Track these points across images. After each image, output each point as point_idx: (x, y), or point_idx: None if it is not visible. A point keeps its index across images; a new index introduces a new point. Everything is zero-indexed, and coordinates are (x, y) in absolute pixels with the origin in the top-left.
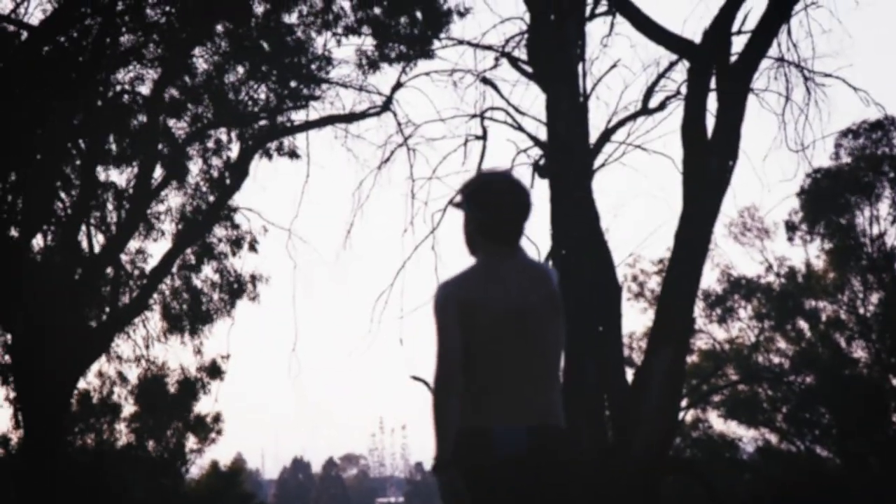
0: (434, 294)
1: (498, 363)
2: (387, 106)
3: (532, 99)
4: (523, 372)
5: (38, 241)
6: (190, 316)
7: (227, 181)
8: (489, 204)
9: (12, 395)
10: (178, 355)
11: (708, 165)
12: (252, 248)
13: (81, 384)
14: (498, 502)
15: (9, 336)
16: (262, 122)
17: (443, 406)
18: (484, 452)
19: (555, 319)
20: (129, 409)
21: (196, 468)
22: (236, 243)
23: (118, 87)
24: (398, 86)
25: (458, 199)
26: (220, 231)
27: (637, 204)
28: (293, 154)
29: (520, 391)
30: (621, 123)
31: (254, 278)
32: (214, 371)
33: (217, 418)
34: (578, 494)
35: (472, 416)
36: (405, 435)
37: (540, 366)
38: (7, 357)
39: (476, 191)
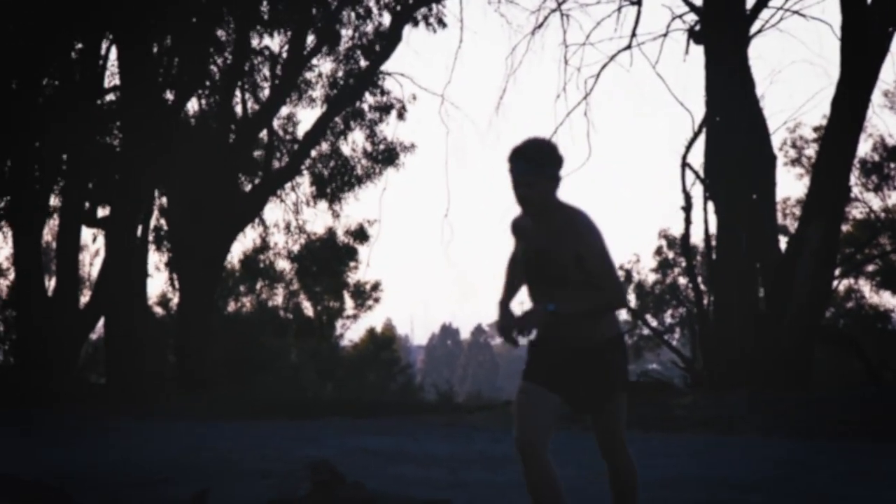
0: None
1: None
2: None
3: None
4: None
5: (192, 105)
6: (339, 181)
7: (378, 47)
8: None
9: (168, 257)
10: (326, 220)
11: (867, 31)
12: (401, 116)
13: (236, 247)
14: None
15: (164, 199)
16: None
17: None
18: None
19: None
20: (282, 272)
21: (351, 332)
22: (386, 110)
23: None
24: None
25: (546, 167)
26: (370, 98)
27: (794, 71)
28: (441, 21)
29: None
30: None
31: (403, 145)
32: (361, 235)
33: (376, 287)
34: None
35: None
36: None
37: None
38: (163, 220)
39: (561, 156)
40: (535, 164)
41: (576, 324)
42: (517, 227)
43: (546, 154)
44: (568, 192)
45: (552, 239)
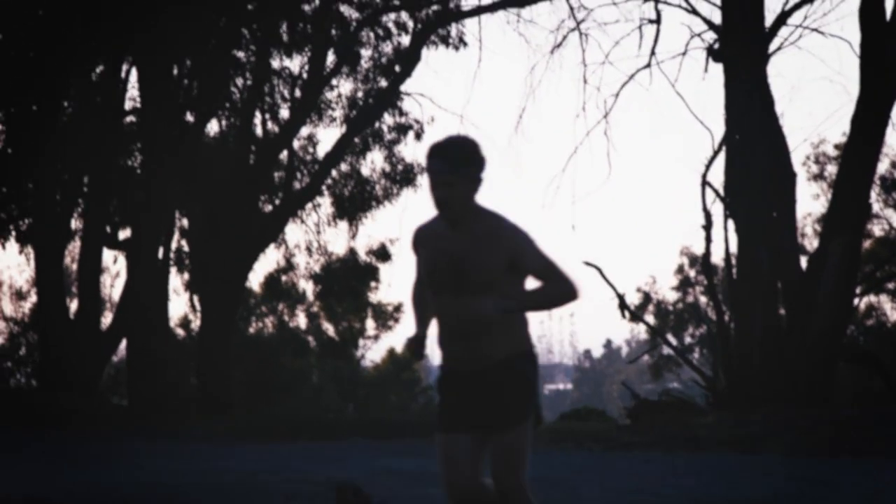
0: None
1: None
2: None
3: None
4: None
5: (213, 126)
6: (359, 202)
7: (398, 67)
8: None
9: (187, 278)
10: (346, 240)
11: (886, 48)
12: (419, 136)
13: (257, 268)
14: None
15: (185, 221)
16: (434, 8)
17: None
18: None
19: None
20: (304, 293)
21: (372, 352)
22: (404, 130)
23: None
24: None
25: (466, 166)
26: (389, 118)
27: (814, 88)
28: (461, 41)
29: None
30: (797, 6)
31: (421, 167)
32: (383, 255)
33: (398, 307)
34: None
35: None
36: (573, 322)
37: None
38: (184, 242)
39: (483, 156)
40: (454, 164)
41: (481, 341)
42: (420, 237)
43: (467, 153)
44: (588, 210)
45: (474, 244)
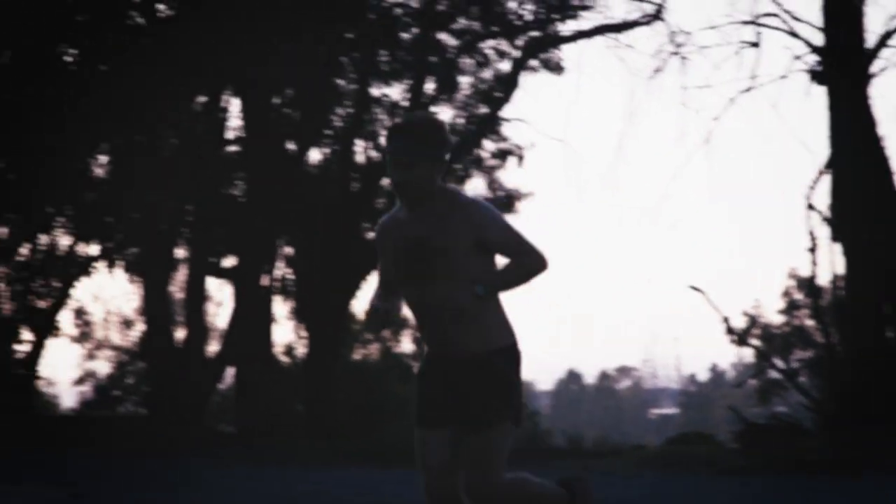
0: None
1: None
2: (658, 14)
3: (808, 2)
4: None
5: (314, 154)
6: None
7: (497, 94)
8: (451, 146)
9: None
10: None
11: None
12: (519, 162)
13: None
14: None
15: (289, 248)
16: (533, 33)
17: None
18: None
19: None
20: (407, 319)
21: None
22: (503, 156)
23: (389, 1)
24: None
25: (427, 146)
26: (489, 144)
27: None
28: (560, 66)
29: None
30: None
31: (521, 192)
32: None
33: None
34: None
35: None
36: (678, 346)
37: None
38: (288, 269)
39: (448, 136)
40: (413, 143)
41: (454, 331)
42: (384, 229)
43: (427, 132)
44: (691, 234)
45: (437, 224)
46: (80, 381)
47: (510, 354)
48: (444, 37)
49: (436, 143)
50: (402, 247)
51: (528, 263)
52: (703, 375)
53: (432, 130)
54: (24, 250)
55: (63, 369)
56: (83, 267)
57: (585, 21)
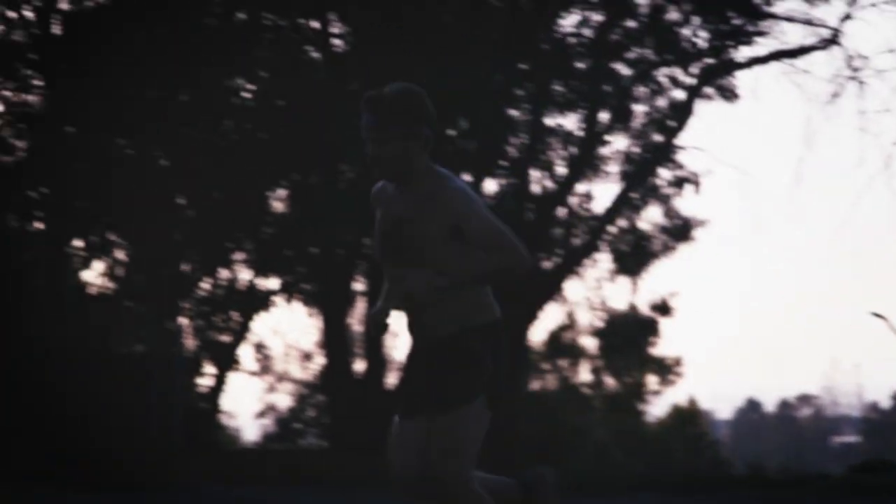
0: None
1: None
2: (834, 39)
3: None
4: None
5: (490, 185)
6: (636, 257)
7: (672, 122)
8: (434, 117)
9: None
10: (625, 296)
11: None
12: (696, 190)
13: (538, 325)
14: None
15: None
16: (707, 61)
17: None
18: None
19: None
20: (585, 349)
21: (654, 408)
22: (679, 184)
23: (563, 32)
24: (846, 17)
25: (399, 119)
26: (664, 173)
27: None
28: (733, 94)
29: None
30: None
31: (698, 220)
32: (664, 309)
33: (678, 362)
34: None
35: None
36: (859, 373)
37: None
38: None
39: (427, 108)
40: (384, 116)
41: (425, 313)
42: (378, 197)
43: (401, 104)
44: (873, 259)
45: (417, 207)
46: (261, 415)
47: (487, 332)
48: (617, 66)
49: (409, 117)
50: (385, 225)
51: (502, 260)
52: (886, 403)
53: (405, 102)
54: (206, 285)
55: (244, 403)
56: (263, 301)
57: (760, 47)
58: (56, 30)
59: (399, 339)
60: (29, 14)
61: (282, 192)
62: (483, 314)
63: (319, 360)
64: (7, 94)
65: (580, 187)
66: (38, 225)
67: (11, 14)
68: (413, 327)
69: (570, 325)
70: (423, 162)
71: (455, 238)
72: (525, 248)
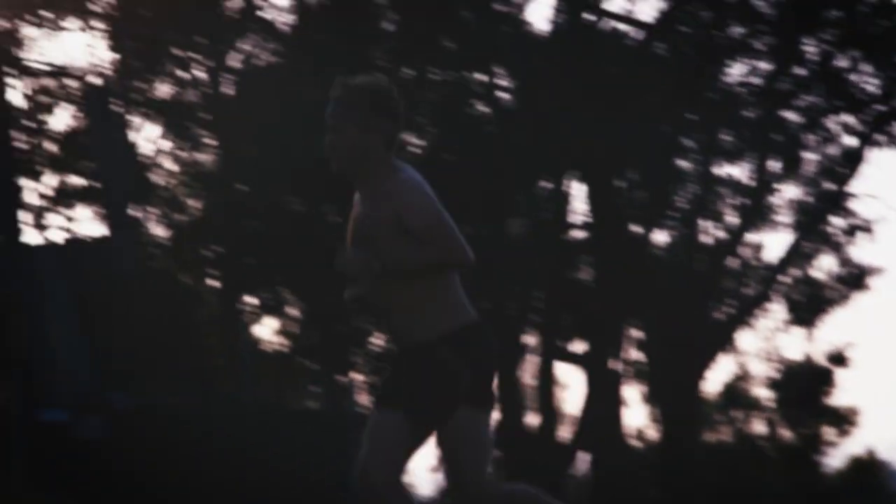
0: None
1: None
2: None
3: None
4: None
5: (659, 236)
6: (811, 306)
7: (843, 169)
8: (399, 113)
9: (644, 390)
10: (799, 345)
11: None
12: (870, 236)
13: (709, 376)
14: None
15: (638, 332)
16: (877, 107)
17: None
18: None
19: None
20: (760, 400)
21: (831, 460)
22: (852, 232)
23: (730, 80)
24: None
25: (356, 108)
26: (837, 221)
27: None
28: None
29: None
30: None
31: (872, 268)
32: (839, 360)
33: (854, 412)
34: None
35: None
36: None
37: None
38: (637, 353)
39: (392, 103)
40: (344, 103)
41: (393, 316)
42: (355, 199)
43: (363, 93)
44: None
45: (372, 206)
46: (436, 469)
47: (460, 339)
48: (786, 114)
49: (370, 107)
50: (351, 225)
51: (440, 250)
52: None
53: (368, 92)
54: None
55: (419, 457)
56: None
57: None
58: (227, 89)
59: (571, 393)
60: (201, 74)
61: None
62: (454, 319)
63: (493, 416)
64: (180, 153)
65: (751, 237)
66: (213, 283)
67: (183, 74)
68: (385, 326)
69: (743, 376)
70: (382, 158)
71: (405, 236)
72: (466, 245)
